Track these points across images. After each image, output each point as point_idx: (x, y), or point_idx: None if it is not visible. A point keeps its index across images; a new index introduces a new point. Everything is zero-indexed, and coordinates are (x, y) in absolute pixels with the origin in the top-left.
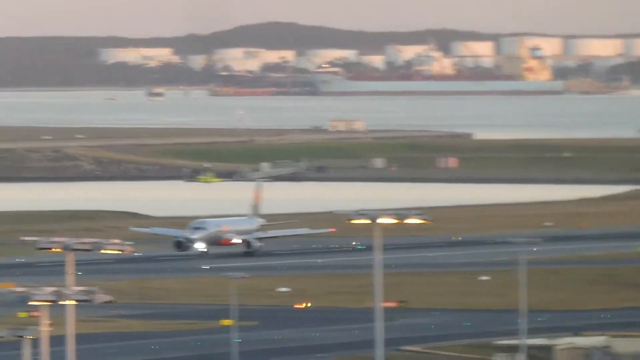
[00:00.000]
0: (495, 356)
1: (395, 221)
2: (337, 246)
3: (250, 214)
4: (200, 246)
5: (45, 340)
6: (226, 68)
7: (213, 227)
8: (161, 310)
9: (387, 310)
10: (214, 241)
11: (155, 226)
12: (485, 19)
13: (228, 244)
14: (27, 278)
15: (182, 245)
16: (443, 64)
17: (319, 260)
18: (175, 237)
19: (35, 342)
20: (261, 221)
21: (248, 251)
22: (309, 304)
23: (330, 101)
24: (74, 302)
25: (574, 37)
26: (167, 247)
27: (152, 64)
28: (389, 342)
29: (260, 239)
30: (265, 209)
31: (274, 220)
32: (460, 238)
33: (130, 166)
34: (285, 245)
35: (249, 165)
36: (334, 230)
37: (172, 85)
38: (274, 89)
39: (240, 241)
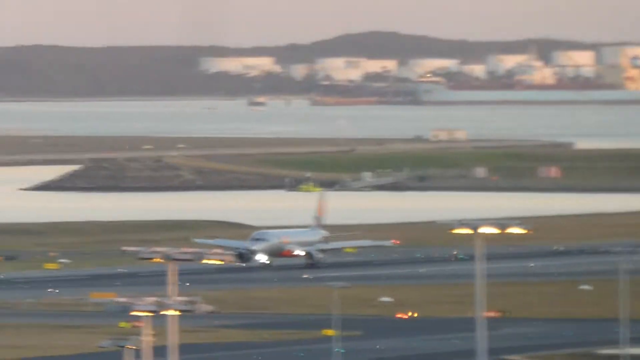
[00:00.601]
0: None
1: (496, 231)
2: (438, 256)
3: (313, 225)
4: (261, 258)
5: (147, 350)
6: (327, 77)
7: (274, 239)
8: (263, 320)
9: (488, 319)
10: (276, 252)
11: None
12: (586, 28)
13: (289, 255)
14: (128, 288)
15: (244, 256)
16: (544, 74)
17: (420, 270)
18: (238, 248)
19: (137, 353)
20: (324, 232)
21: (310, 263)
22: (411, 314)
23: (432, 110)
24: (176, 313)
25: None
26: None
27: (254, 73)
28: (490, 352)
29: (322, 250)
30: (362, 219)
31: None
32: (561, 247)
33: (231, 176)
34: (387, 255)
35: (351, 175)
36: (396, 241)
37: (274, 94)
38: (375, 98)
39: (302, 253)
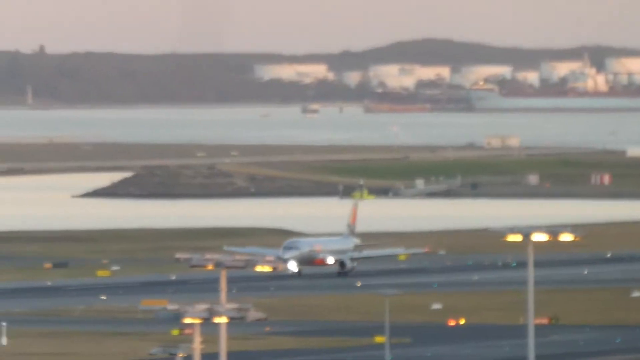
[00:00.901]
0: None
1: (548, 238)
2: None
3: (345, 233)
4: (292, 266)
5: (197, 357)
6: (381, 84)
7: (306, 247)
8: (313, 327)
9: (538, 326)
10: (307, 261)
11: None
12: (639, 35)
13: (322, 264)
14: (180, 295)
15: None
16: (597, 81)
17: (471, 277)
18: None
19: None
20: (356, 241)
21: (341, 271)
22: (462, 321)
23: (485, 118)
24: (226, 320)
25: None
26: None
27: (307, 80)
28: (540, 359)
29: (354, 259)
30: (413, 226)
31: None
32: (611, 254)
33: (284, 183)
34: (438, 262)
35: (404, 182)
36: (427, 250)
37: (327, 101)
38: (428, 105)
39: (333, 261)
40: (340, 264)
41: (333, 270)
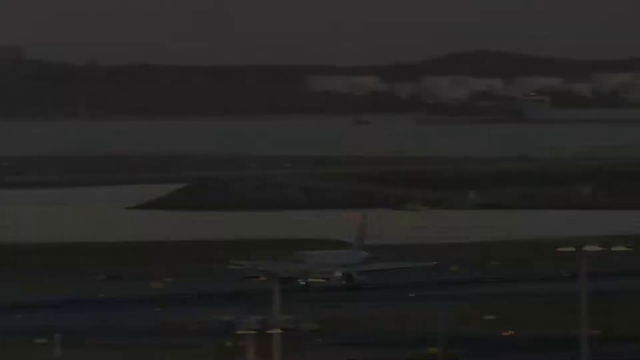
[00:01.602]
0: None
1: (601, 249)
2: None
3: (354, 246)
4: (300, 280)
5: None
6: (433, 96)
7: (313, 260)
8: (367, 338)
9: (591, 337)
10: (315, 274)
11: None
12: None
13: (329, 277)
14: (234, 307)
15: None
16: None
17: (524, 288)
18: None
19: None
20: (365, 254)
21: (349, 285)
22: (514, 332)
23: (537, 129)
24: (279, 331)
25: None
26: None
27: (360, 91)
28: None
29: (361, 272)
30: (461, 237)
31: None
32: None
33: (337, 194)
34: (490, 273)
35: (456, 193)
36: (435, 263)
37: (379, 112)
38: (480, 116)
39: (341, 274)
40: (348, 277)
41: (341, 284)
